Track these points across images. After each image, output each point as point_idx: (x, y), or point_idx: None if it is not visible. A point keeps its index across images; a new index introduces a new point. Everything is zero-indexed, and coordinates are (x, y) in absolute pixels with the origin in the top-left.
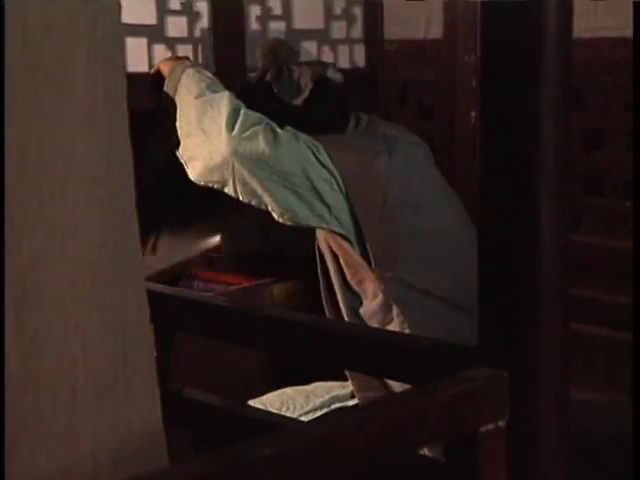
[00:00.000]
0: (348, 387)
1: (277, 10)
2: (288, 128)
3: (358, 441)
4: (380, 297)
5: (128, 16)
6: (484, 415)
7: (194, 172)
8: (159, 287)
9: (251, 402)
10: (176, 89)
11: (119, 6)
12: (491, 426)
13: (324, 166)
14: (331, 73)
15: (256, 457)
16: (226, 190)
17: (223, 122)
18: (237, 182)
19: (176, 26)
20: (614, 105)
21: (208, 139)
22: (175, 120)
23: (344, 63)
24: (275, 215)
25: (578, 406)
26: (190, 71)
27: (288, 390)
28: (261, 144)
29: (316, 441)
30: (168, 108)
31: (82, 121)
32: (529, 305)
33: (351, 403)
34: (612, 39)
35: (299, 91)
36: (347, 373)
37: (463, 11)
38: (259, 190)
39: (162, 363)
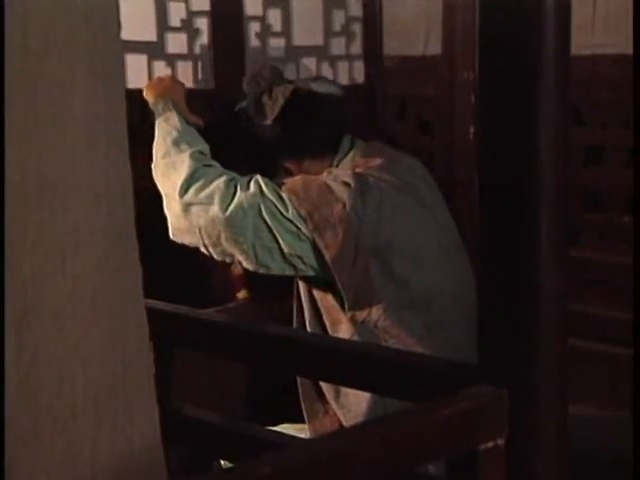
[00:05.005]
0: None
1: (277, 27)
2: (256, 178)
3: (358, 459)
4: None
5: (128, 33)
6: (483, 433)
7: (171, 230)
8: (158, 304)
9: None
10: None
11: (119, 23)
12: (490, 444)
13: (288, 219)
14: (316, 86)
15: (256, 476)
16: (202, 249)
17: (177, 188)
18: (207, 245)
19: (176, 43)
20: (613, 121)
21: (170, 203)
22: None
23: (343, 79)
24: (251, 270)
25: (577, 422)
26: (160, 121)
27: (287, 426)
28: (215, 208)
29: (316, 460)
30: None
31: (82, 138)
32: (528, 323)
33: None
34: (611, 56)
35: (272, 111)
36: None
37: (462, 27)
38: (230, 249)
39: (161, 380)
